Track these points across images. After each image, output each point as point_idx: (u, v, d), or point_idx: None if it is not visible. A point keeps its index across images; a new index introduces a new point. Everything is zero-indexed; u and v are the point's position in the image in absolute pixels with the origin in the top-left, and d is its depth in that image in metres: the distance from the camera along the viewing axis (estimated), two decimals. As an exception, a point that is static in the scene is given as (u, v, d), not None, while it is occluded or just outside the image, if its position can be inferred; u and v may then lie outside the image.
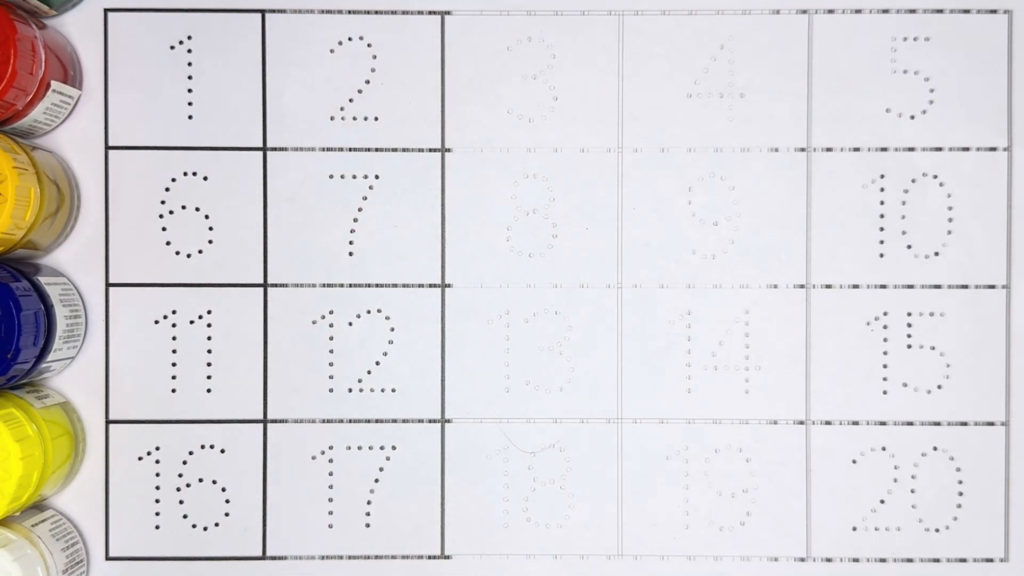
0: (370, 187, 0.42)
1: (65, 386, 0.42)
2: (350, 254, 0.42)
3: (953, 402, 0.42)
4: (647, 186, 0.42)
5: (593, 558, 0.43)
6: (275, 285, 0.42)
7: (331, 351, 0.42)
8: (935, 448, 0.42)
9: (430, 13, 0.42)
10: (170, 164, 0.42)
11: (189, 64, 0.42)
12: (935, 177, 0.42)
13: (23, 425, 0.38)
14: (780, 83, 0.42)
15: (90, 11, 0.42)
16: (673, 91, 0.42)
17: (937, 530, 0.42)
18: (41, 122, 0.41)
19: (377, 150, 0.42)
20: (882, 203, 0.42)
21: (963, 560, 0.42)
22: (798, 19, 0.42)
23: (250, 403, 0.42)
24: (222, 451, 0.42)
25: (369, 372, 0.42)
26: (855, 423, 0.42)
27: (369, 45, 0.42)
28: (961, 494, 0.42)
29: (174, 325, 0.42)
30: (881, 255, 0.42)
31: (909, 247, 0.42)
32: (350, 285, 0.42)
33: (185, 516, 0.42)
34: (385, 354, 0.42)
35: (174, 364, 0.42)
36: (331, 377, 0.42)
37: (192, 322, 0.42)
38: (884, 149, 0.42)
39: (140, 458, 0.42)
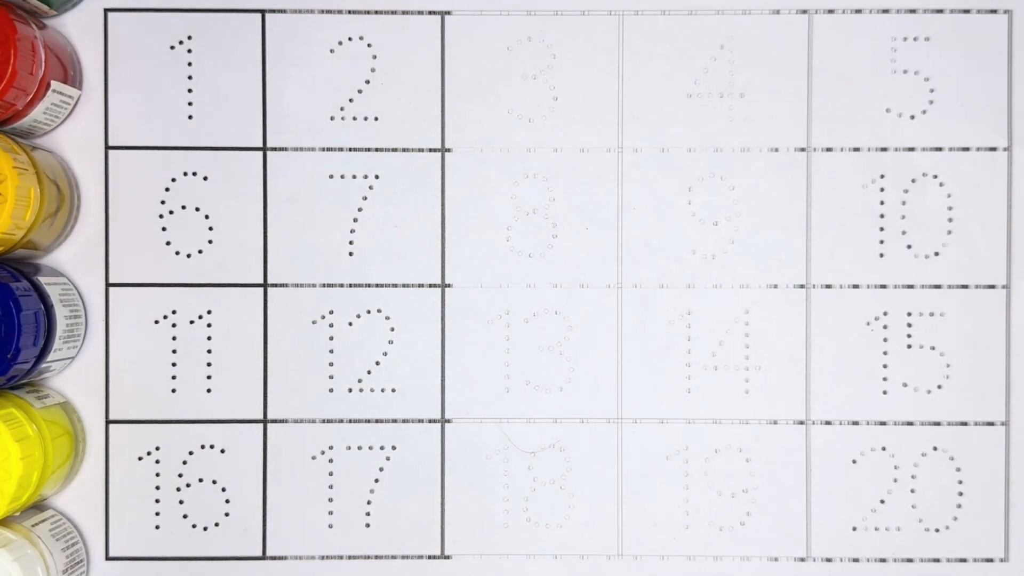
0: (370, 187, 0.42)
1: (65, 386, 0.42)
2: (350, 254, 0.42)
3: (953, 402, 0.42)
4: (647, 186, 0.42)
5: (593, 558, 0.43)
6: (275, 285, 0.42)
7: (331, 351, 0.42)
8: (935, 448, 0.42)
9: (430, 13, 0.42)
10: (170, 164, 0.42)
11: (189, 64, 0.42)
12: (935, 177, 0.42)
13: (23, 425, 0.38)
14: (780, 83, 0.42)
15: (90, 11, 0.42)
16: (673, 91, 0.42)
17: (937, 530, 0.42)
18: (41, 122, 0.41)
19: (377, 150, 0.42)
20: (882, 203, 0.42)
21: (963, 560, 0.42)
22: (798, 19, 0.42)
23: (250, 403, 0.42)
24: (222, 451, 0.42)
25: (369, 372, 0.42)
26: (855, 423, 0.42)
27: (369, 45, 0.42)
28: (961, 494, 0.42)
29: (174, 325, 0.42)
30: (881, 255, 0.42)
31: (909, 247, 0.42)
32: (350, 285, 0.42)
33: (185, 516, 0.42)
34: (385, 354, 0.42)
35: (174, 364, 0.42)
36: (331, 377, 0.42)
37: (192, 322, 0.42)
38: (884, 149, 0.42)
39: (140, 458, 0.42)
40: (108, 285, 0.42)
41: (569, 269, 0.42)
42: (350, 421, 0.42)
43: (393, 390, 0.42)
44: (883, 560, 0.42)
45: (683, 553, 0.43)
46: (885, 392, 0.42)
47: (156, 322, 0.42)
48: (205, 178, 0.42)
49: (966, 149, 0.42)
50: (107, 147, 0.42)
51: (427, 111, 0.42)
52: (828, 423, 0.42)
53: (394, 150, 0.42)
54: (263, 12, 0.42)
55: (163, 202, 0.42)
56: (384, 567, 0.42)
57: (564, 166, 0.42)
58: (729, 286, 0.42)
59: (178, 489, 0.42)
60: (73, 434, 0.41)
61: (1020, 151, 0.42)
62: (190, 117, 0.42)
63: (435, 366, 0.42)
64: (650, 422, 0.42)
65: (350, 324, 0.42)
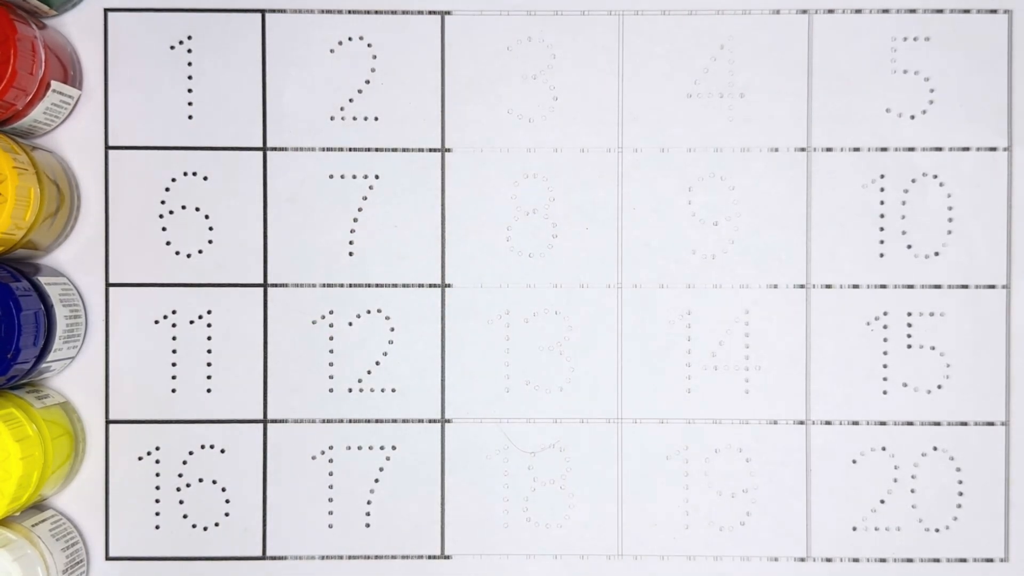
0: (370, 187, 0.42)
1: (65, 386, 0.42)
2: (350, 254, 0.42)
3: (953, 402, 0.42)
4: (647, 186, 0.42)
5: (593, 558, 0.43)
6: (275, 285, 0.42)
7: (331, 351, 0.42)
8: (935, 448, 0.42)
9: (430, 13, 0.42)
10: (170, 164, 0.42)
11: (189, 64, 0.42)
12: (935, 177, 0.42)
13: (23, 425, 0.38)
14: (780, 83, 0.42)
15: (90, 11, 0.42)
16: (673, 91, 0.42)
17: (937, 530, 0.42)
18: (41, 122, 0.41)
19: (377, 150, 0.42)
20: (882, 203, 0.42)
21: (963, 560, 0.42)
22: (798, 19, 0.42)
23: (250, 403, 0.42)
24: (222, 451, 0.42)
25: (369, 372, 0.42)
26: (855, 423, 0.42)
27: (369, 45, 0.42)
28: (961, 494, 0.42)
29: (174, 325, 0.42)
30: (881, 255, 0.42)
31: (909, 247, 0.42)
32: (350, 285, 0.42)
33: (185, 516, 0.42)
34: (385, 354, 0.42)
35: (174, 364, 0.42)
36: (331, 377, 0.42)
37: (192, 322, 0.42)
38: (884, 149, 0.42)
39: (140, 458, 0.42)
40: (108, 285, 0.42)
41: (569, 269, 0.42)
42: (350, 421, 0.42)
43: (393, 390, 0.42)
44: (883, 560, 0.42)
45: (683, 553, 0.43)
46: (885, 392, 0.42)
47: (156, 322, 0.42)
48: (205, 178, 0.42)
49: (966, 149, 0.42)
50: (107, 147, 0.42)
51: (427, 111, 0.42)
52: (828, 423, 0.42)
53: (394, 150, 0.42)
54: (263, 12, 0.42)
55: (163, 202, 0.42)
56: (384, 567, 0.42)
57: (564, 166, 0.42)
58: (729, 286, 0.42)
59: (178, 489, 0.42)
60: (73, 434, 0.41)
61: (1020, 151, 0.42)
62: (190, 117, 0.42)
63: (435, 366, 0.42)
64: (650, 422, 0.42)
65: (350, 324, 0.42)
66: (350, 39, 0.42)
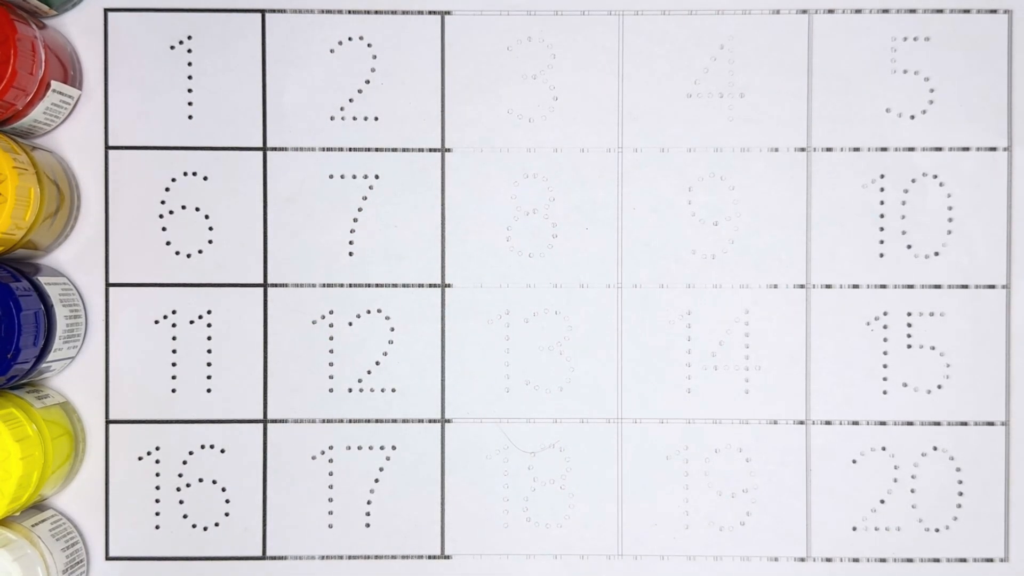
0: (370, 187, 0.42)
1: (65, 386, 0.42)
2: (350, 254, 0.42)
3: (953, 402, 0.42)
4: (647, 186, 0.42)
5: (593, 558, 0.43)
6: (275, 285, 0.42)
7: (331, 351, 0.42)
8: (935, 448, 0.42)
9: (430, 13, 0.42)
10: (170, 164, 0.42)
11: (189, 64, 0.42)
12: (935, 177, 0.42)
13: (23, 425, 0.38)
14: (780, 83, 0.42)
15: (90, 11, 0.42)
16: (673, 91, 0.42)
17: (937, 530, 0.42)
18: (41, 122, 0.41)
19: (377, 150, 0.42)
20: (882, 203, 0.42)
21: (963, 560, 0.42)
22: (798, 19, 0.42)
23: (250, 403, 0.42)
24: (222, 451, 0.42)
25: (369, 372, 0.42)
26: (855, 423, 0.42)
27: (369, 45, 0.42)
28: (961, 494, 0.42)
29: (174, 325, 0.42)
30: (881, 255, 0.42)
31: (909, 247, 0.42)
32: (350, 285, 0.42)
33: (185, 516, 0.42)
34: (385, 354, 0.42)
35: (174, 364, 0.42)
36: (331, 377, 0.42)
37: (192, 322, 0.42)
38: (884, 149, 0.42)
39: (140, 458, 0.42)
40: (108, 285, 0.42)
41: (569, 269, 0.42)
42: (350, 421, 0.42)
43: (393, 390, 0.42)
44: (883, 560, 0.42)
45: (683, 553, 0.43)
46: (885, 392, 0.42)
47: (156, 322, 0.42)
48: (205, 178, 0.42)
49: (966, 149, 0.42)
50: (107, 147, 0.42)
51: (427, 111, 0.42)
52: (828, 423, 0.42)
53: (394, 150, 0.42)
54: (263, 12, 0.42)
55: (163, 202, 0.42)
56: (384, 567, 0.42)
57: (564, 166, 0.42)
58: (729, 286, 0.42)
59: (178, 489, 0.42)
60: (73, 434, 0.41)
61: (1020, 151, 0.42)
62: (190, 117, 0.42)
63: (435, 366, 0.42)
64: (650, 422, 0.42)
65: (350, 324, 0.42)
66: (350, 39, 0.42)
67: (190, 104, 0.42)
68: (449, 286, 0.42)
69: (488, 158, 0.42)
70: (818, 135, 0.42)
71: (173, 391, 0.42)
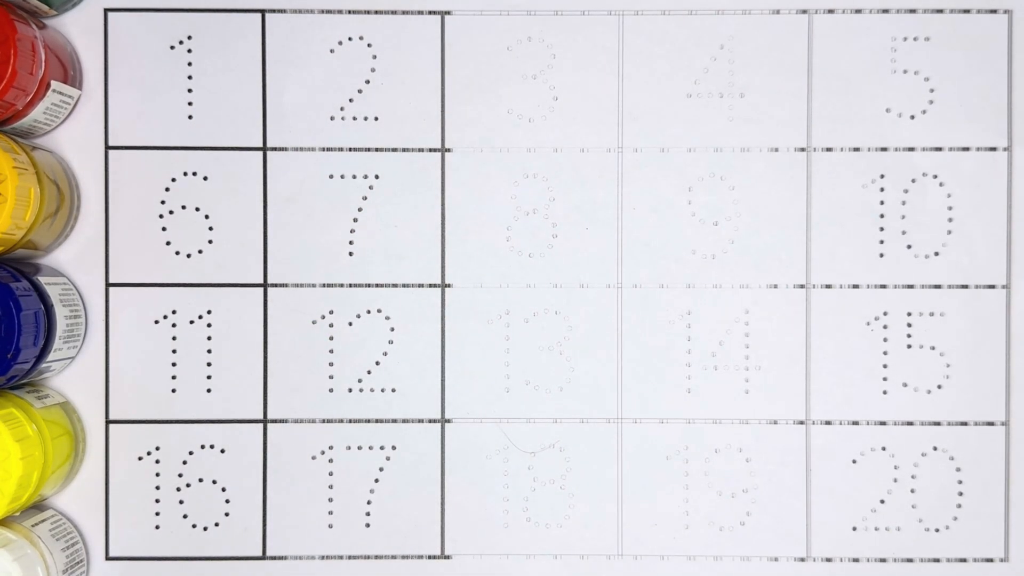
0: (370, 187, 0.42)
1: (65, 386, 0.42)
2: (350, 254, 0.42)
3: (953, 402, 0.42)
4: (647, 186, 0.42)
5: (593, 558, 0.43)
6: (275, 285, 0.42)
7: (331, 351, 0.42)
8: (935, 448, 0.42)
9: (430, 13, 0.42)
10: (170, 164, 0.42)
11: (189, 64, 0.42)
12: (935, 177, 0.42)
13: (23, 425, 0.38)
14: (780, 83, 0.42)
15: (90, 11, 0.42)
16: (673, 91, 0.42)
17: (937, 530, 0.42)
18: (41, 122, 0.41)
19: (377, 150, 0.42)
20: (882, 203, 0.42)
21: (963, 560, 0.42)
22: (798, 19, 0.42)
23: (250, 403, 0.42)
24: (222, 451, 0.42)
25: (369, 372, 0.42)
26: (855, 423, 0.42)
27: (369, 45, 0.42)
28: (961, 494, 0.42)
29: (174, 325, 0.42)
30: (881, 255, 0.42)
31: (909, 247, 0.42)
32: (350, 285, 0.42)
33: (185, 516, 0.42)
34: (385, 354, 0.42)
35: (174, 364, 0.42)
36: (331, 377, 0.42)
37: (192, 322, 0.42)
38: (884, 149, 0.42)
39: (140, 458, 0.42)
40: (108, 285, 0.42)
41: (569, 269, 0.42)
42: (350, 421, 0.42)
43: (393, 390, 0.42)
44: (883, 560, 0.42)
45: (683, 553, 0.43)
46: (885, 392, 0.42)
47: (156, 322, 0.42)
48: (205, 178, 0.42)
49: (966, 149, 0.42)
50: (107, 147, 0.42)
51: (427, 111, 0.42)
52: (828, 423, 0.42)
53: (394, 150, 0.42)
54: (263, 12, 0.42)
55: (163, 202, 0.42)
56: (384, 567, 0.42)
57: (564, 166, 0.42)
58: (729, 286, 0.42)
59: (178, 489, 0.42)
60: (73, 434, 0.41)
61: (1020, 151, 0.42)
62: (190, 117, 0.42)
63: (435, 366, 0.42)
64: (650, 422, 0.42)
65: (350, 324, 0.42)
66: (350, 39, 0.42)
67: (190, 104, 0.42)
68: (449, 286, 0.42)
69: (488, 158, 0.42)
70: (818, 135, 0.42)
71: (173, 391, 0.42)
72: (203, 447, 0.42)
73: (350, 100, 0.42)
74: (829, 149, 0.42)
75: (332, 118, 0.42)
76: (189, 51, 0.42)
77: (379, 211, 0.42)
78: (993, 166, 0.42)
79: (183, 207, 0.42)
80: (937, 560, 0.42)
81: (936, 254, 0.42)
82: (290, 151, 0.42)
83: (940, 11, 0.42)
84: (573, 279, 0.42)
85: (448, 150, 0.42)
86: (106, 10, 0.42)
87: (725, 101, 0.42)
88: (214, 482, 0.42)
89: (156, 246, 0.42)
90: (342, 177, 0.42)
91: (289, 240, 0.42)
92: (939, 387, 0.42)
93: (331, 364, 0.42)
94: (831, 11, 0.42)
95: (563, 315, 0.42)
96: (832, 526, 0.42)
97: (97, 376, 0.42)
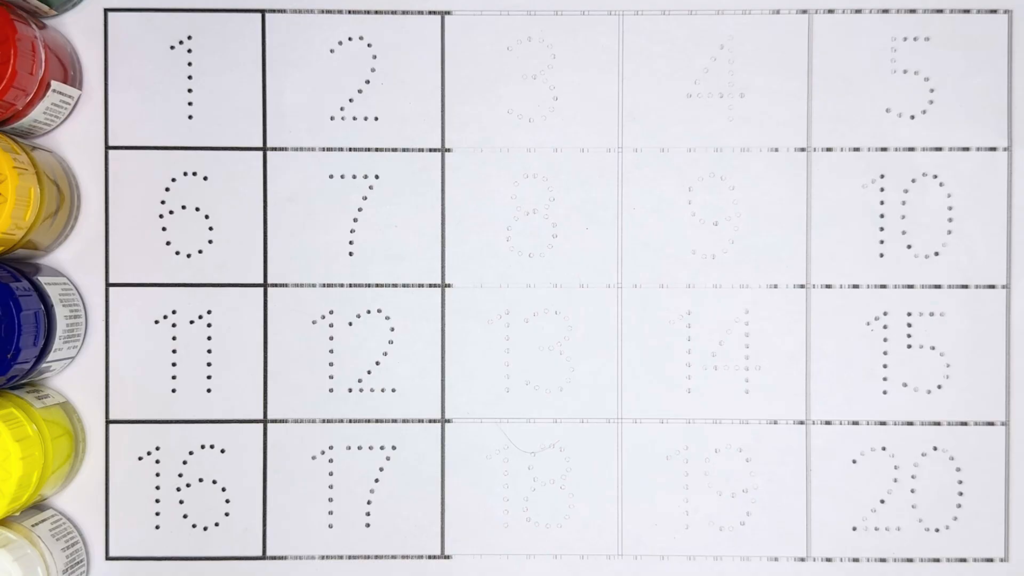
0: (370, 187, 0.42)
1: (65, 386, 0.42)
2: (350, 254, 0.42)
3: (953, 402, 0.42)
4: (647, 186, 0.42)
5: (593, 558, 0.43)
6: (275, 285, 0.42)
7: (331, 351, 0.42)
8: (935, 448, 0.42)
9: (430, 13, 0.42)
10: (170, 164, 0.42)
11: (189, 64, 0.42)
12: (935, 177, 0.42)
13: (23, 425, 0.38)
14: (780, 83, 0.42)
15: (90, 11, 0.42)
16: (673, 91, 0.42)
17: (937, 530, 0.42)
18: (41, 122, 0.41)
19: (377, 150, 0.42)
20: (882, 203, 0.42)
21: (963, 560, 0.42)
22: (798, 19, 0.42)
23: (250, 403, 0.42)
24: (222, 451, 0.42)
25: (369, 372, 0.42)
26: (855, 423, 0.42)
27: (369, 45, 0.42)
28: (961, 494, 0.42)
29: (174, 325, 0.42)
30: (881, 255, 0.42)
31: (909, 247, 0.42)
32: (350, 285, 0.42)
33: (185, 516, 0.42)
34: (385, 354, 0.42)
35: (174, 364, 0.42)
36: (331, 377, 0.42)
37: (192, 322, 0.42)
38: (884, 149, 0.42)
39: (140, 458, 0.42)
40: (108, 285, 0.42)
41: (569, 269, 0.42)
42: (350, 421, 0.42)
43: (393, 390, 0.43)
44: (883, 560, 0.42)
45: (683, 553, 0.43)
46: (885, 392, 0.42)
47: (156, 322, 0.42)
48: (205, 178, 0.42)
49: (966, 149, 0.42)
50: (107, 147, 0.42)
51: (427, 111, 0.42)
52: (828, 423, 0.42)
53: (394, 150, 0.42)
54: (263, 12, 0.42)
55: (163, 202, 0.42)
56: (384, 567, 0.42)
57: (564, 166, 0.42)
58: (729, 286, 0.42)
59: (178, 489, 0.42)
60: (73, 434, 0.41)
61: (1020, 151, 0.42)
62: (190, 117, 0.42)
63: (435, 366, 0.42)
64: (650, 422, 0.42)
65: (350, 324, 0.42)
66: (350, 39, 0.42)
67: (190, 104, 0.42)
68: (449, 286, 0.42)
69: (488, 158, 0.42)
70: (818, 135, 0.42)
71: (173, 391, 0.42)
72: (203, 447, 0.42)
73: (350, 100, 0.42)
74: (829, 149, 0.42)
75: (332, 118, 0.42)
76: (189, 51, 0.42)
77: (379, 211, 0.42)
78: (993, 166, 0.42)
79: (183, 207, 0.42)
80: (937, 560, 0.42)
81: (936, 254, 0.42)
82: (290, 151, 0.42)
83: (940, 11, 0.42)
84: (573, 279, 0.42)
85: (448, 150, 0.42)
86: (106, 10, 0.42)
87: (725, 101, 0.42)
88: (214, 482, 0.42)
89: (156, 246, 0.42)
90: (342, 177, 0.42)
91: (289, 240, 0.42)
92: (939, 387, 0.42)
93: (331, 364, 0.42)
94: (831, 11, 0.42)
95: (563, 315, 0.42)
96: (832, 526, 0.42)
97: (97, 376, 0.42)
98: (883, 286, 0.42)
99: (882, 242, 0.42)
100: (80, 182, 0.42)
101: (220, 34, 0.42)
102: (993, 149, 0.42)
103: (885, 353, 0.42)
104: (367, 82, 0.42)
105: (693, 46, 0.42)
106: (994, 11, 0.42)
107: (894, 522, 0.42)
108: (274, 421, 0.42)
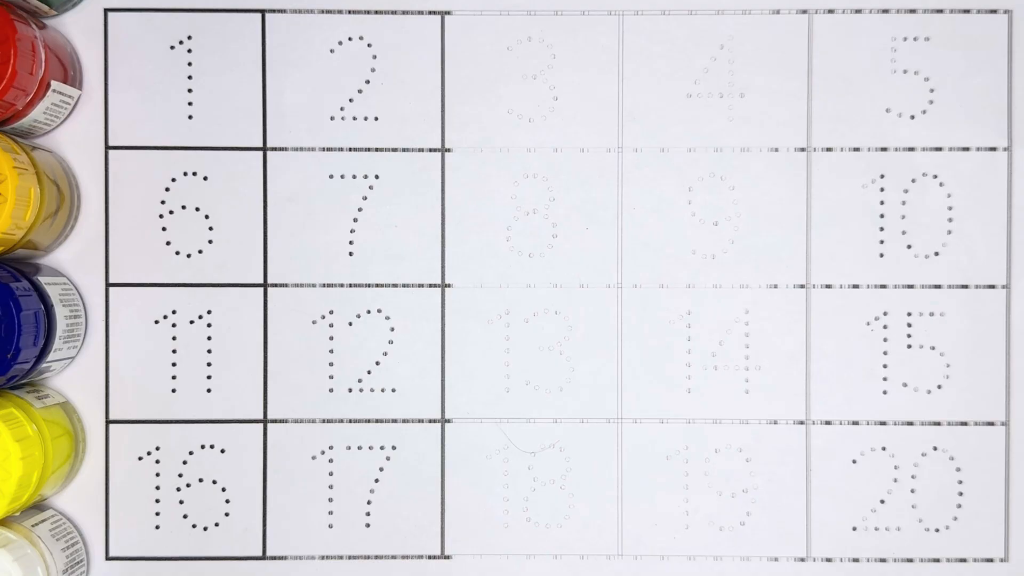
0: (370, 187, 0.42)
1: (65, 386, 0.42)
2: (350, 254, 0.42)
3: (953, 402, 0.42)
4: (647, 186, 0.42)
5: (593, 558, 0.43)
6: (275, 285, 0.42)
7: (331, 351, 0.42)
8: (935, 448, 0.42)
9: (430, 13, 0.42)
10: (170, 164, 0.42)
11: (189, 64, 0.42)
12: (935, 177, 0.42)
13: (23, 425, 0.38)
14: (780, 83, 0.42)
15: (90, 11, 0.42)
16: (673, 91, 0.42)
17: (937, 530, 0.42)
18: (41, 122, 0.41)
19: (377, 150, 0.42)
20: (882, 203, 0.42)
21: (963, 560, 0.42)
22: (798, 19, 0.42)
23: (250, 403, 0.42)
24: (222, 451, 0.42)
25: (369, 372, 0.42)
26: (855, 423, 0.42)
27: (369, 45, 0.42)
28: (961, 494, 0.42)
29: (174, 325, 0.42)
30: (881, 255, 0.42)
31: (909, 247, 0.42)
32: (350, 285, 0.42)
33: (185, 516, 0.42)
34: (385, 354, 0.42)
35: (174, 364, 0.42)
36: (331, 377, 0.42)
37: (192, 322, 0.42)
38: (884, 149, 0.42)
39: (140, 458, 0.42)
40: (108, 285, 0.42)
41: (569, 269, 0.42)
42: (350, 421, 0.42)
43: (393, 390, 0.43)
44: (883, 560, 0.42)
45: (683, 553, 0.43)
46: (885, 392, 0.42)
47: (156, 322, 0.42)
48: (205, 178, 0.42)
49: (966, 149, 0.42)
50: (107, 147, 0.42)
51: (427, 111, 0.42)
52: (828, 423, 0.42)
53: (394, 150, 0.42)
54: (263, 12, 0.42)
55: (163, 202, 0.42)
56: (384, 567, 0.42)
57: (564, 166, 0.42)
58: (729, 286, 0.42)
59: (178, 489, 0.42)
60: (73, 434, 0.41)
61: (1020, 151, 0.42)
62: (190, 117, 0.42)
63: (435, 366, 0.42)
64: (650, 422, 0.42)
65: (350, 324, 0.42)
66: (350, 39, 0.42)
67: (190, 104, 0.42)
68: (449, 286, 0.42)
69: (488, 158, 0.42)
70: (818, 135, 0.42)
71: (173, 391, 0.42)
72: (203, 447, 0.42)
73: (350, 100, 0.42)
74: (829, 149, 0.42)
75: (332, 118, 0.42)
76: (189, 51, 0.42)
77: (379, 211, 0.42)
78: (993, 166, 0.42)
79: (183, 207, 0.42)
80: (937, 560, 0.42)
81: (936, 254, 0.42)
82: (290, 151, 0.42)
83: (940, 11, 0.42)
84: (573, 279, 0.42)
85: (448, 150, 0.42)
86: (106, 10, 0.42)
87: (725, 101, 0.42)
88: (214, 482, 0.42)
89: (156, 246, 0.42)
90: (342, 177, 0.42)
91: (289, 240, 0.42)
92: (939, 387, 0.42)
93: (331, 364, 0.42)
94: (831, 11, 0.42)
95: (563, 315, 0.42)
96: (832, 526, 0.42)
97: (97, 376, 0.42)
98: (883, 286, 0.42)
99: (882, 242, 0.42)
100: (80, 182, 0.42)
101: (220, 34, 0.42)
102: (993, 149, 0.42)
103: (885, 353, 0.42)
104: (367, 82, 0.42)
105: (693, 46, 0.42)
106: (994, 11, 0.42)
107: (894, 522, 0.42)
108: (274, 421, 0.42)
